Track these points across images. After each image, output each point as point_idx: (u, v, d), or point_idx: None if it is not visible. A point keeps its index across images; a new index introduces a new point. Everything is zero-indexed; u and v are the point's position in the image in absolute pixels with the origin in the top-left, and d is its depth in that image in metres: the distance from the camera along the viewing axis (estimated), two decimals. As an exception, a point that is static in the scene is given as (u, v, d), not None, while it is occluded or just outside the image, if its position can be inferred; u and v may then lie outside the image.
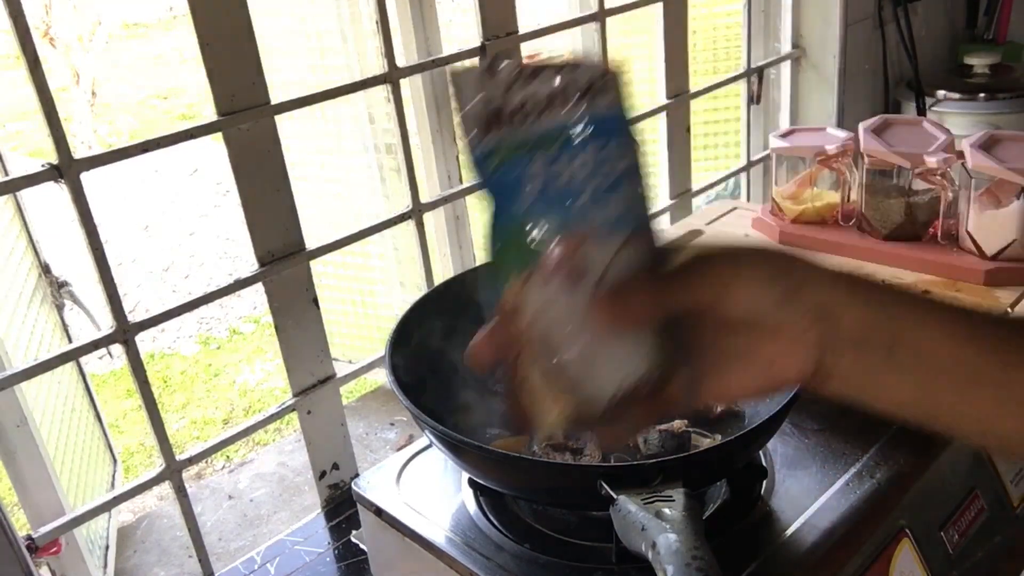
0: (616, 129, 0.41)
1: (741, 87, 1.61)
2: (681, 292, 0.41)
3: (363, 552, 0.95)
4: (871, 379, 0.41)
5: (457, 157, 1.27)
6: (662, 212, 1.49)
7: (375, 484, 0.84)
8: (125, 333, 0.86)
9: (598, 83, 0.41)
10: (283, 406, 1.02)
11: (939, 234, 1.12)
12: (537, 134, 0.41)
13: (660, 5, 1.37)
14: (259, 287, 0.97)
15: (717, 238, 0.44)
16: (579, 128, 0.41)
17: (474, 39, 1.12)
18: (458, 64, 0.46)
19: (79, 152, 0.80)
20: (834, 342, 0.40)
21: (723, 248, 0.42)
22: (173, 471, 0.92)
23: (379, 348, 1.05)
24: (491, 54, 1.12)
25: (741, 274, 0.41)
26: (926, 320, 0.40)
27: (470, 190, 1.18)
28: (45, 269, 1.20)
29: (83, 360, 1.15)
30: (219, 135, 0.90)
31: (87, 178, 0.81)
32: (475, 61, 0.38)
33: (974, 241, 1.07)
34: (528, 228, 0.41)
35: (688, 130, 1.47)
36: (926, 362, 0.40)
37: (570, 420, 0.42)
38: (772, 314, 0.40)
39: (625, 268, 0.41)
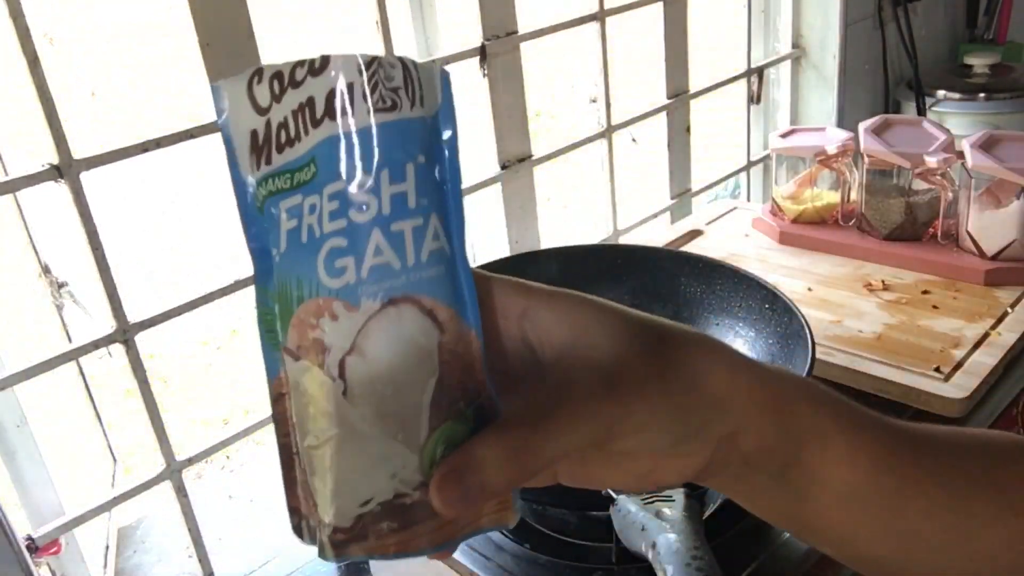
0: (419, 150, 0.32)
1: (741, 87, 1.61)
2: (550, 446, 0.31)
3: (363, 552, 0.95)
4: (751, 493, 0.37)
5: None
6: (662, 212, 1.49)
7: (375, 484, 0.84)
8: (125, 333, 0.86)
9: (403, 84, 0.31)
10: (283, 406, 1.02)
11: (939, 234, 1.12)
12: (313, 150, 0.31)
13: (660, 5, 1.37)
14: (259, 287, 0.97)
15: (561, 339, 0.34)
16: (364, 143, 0.31)
17: (474, 39, 1.12)
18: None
19: (79, 152, 0.80)
20: (725, 460, 0.35)
21: (599, 365, 0.32)
22: (173, 471, 0.92)
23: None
24: (489, 54, 1.12)
25: (631, 416, 0.32)
26: (826, 439, 0.35)
27: (470, 190, 1.18)
28: (45, 269, 1.19)
29: (83, 360, 1.15)
30: (219, 135, 0.90)
31: (87, 178, 0.81)
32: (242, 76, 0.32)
33: (974, 241, 1.07)
34: (298, 276, 0.32)
35: (688, 130, 1.47)
36: (814, 485, 0.36)
37: (325, 532, 0.32)
38: (665, 450, 0.34)
39: (393, 345, 0.31)
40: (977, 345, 0.94)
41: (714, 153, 1.93)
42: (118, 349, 0.87)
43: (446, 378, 0.32)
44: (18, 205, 1.16)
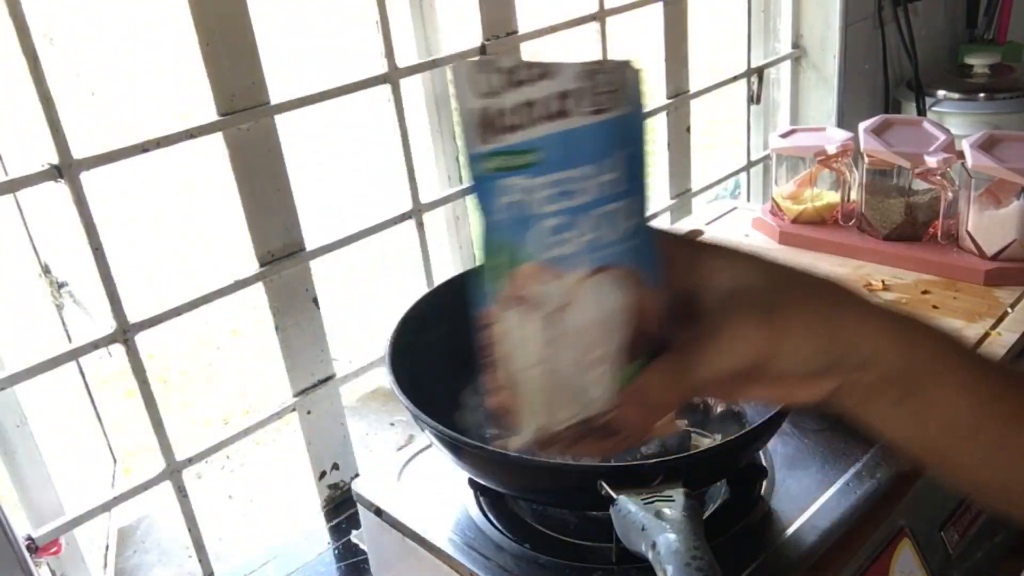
0: (627, 142, 0.39)
1: (741, 87, 1.61)
2: (713, 366, 0.40)
3: (363, 552, 0.95)
4: (875, 417, 0.42)
5: (457, 157, 1.27)
6: (662, 212, 1.49)
7: (375, 484, 0.84)
8: (125, 333, 0.86)
9: (616, 86, 0.38)
10: (283, 406, 1.02)
11: (939, 234, 1.12)
12: (537, 141, 0.37)
13: (660, 5, 1.37)
14: (259, 287, 0.97)
15: (745, 268, 0.42)
16: (587, 138, 0.37)
17: (474, 39, 1.12)
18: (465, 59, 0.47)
19: (79, 152, 0.80)
20: (852, 387, 0.41)
21: (761, 301, 0.40)
22: (173, 471, 0.92)
23: (379, 348, 1.05)
24: (496, 53, 1.12)
25: (785, 342, 0.40)
26: (944, 373, 0.41)
27: (470, 190, 1.18)
28: (45, 269, 1.19)
29: (83, 360, 1.15)
30: (219, 135, 0.90)
31: (87, 178, 0.81)
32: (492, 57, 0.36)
33: (974, 241, 1.07)
34: (509, 242, 0.39)
35: (688, 130, 1.47)
36: (932, 411, 0.41)
37: (527, 441, 0.42)
38: (807, 375, 0.41)
39: (595, 304, 0.39)
40: (977, 345, 0.94)
41: (714, 153, 1.93)
42: (118, 349, 0.87)
43: (633, 329, 0.40)
44: (18, 205, 1.16)
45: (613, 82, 0.37)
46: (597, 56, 1.29)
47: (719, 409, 0.82)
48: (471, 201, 0.40)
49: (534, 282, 0.38)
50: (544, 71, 0.37)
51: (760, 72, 1.63)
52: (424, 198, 1.11)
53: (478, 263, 0.41)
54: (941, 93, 1.83)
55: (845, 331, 0.40)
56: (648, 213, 0.40)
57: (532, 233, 0.38)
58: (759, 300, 0.40)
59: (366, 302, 1.77)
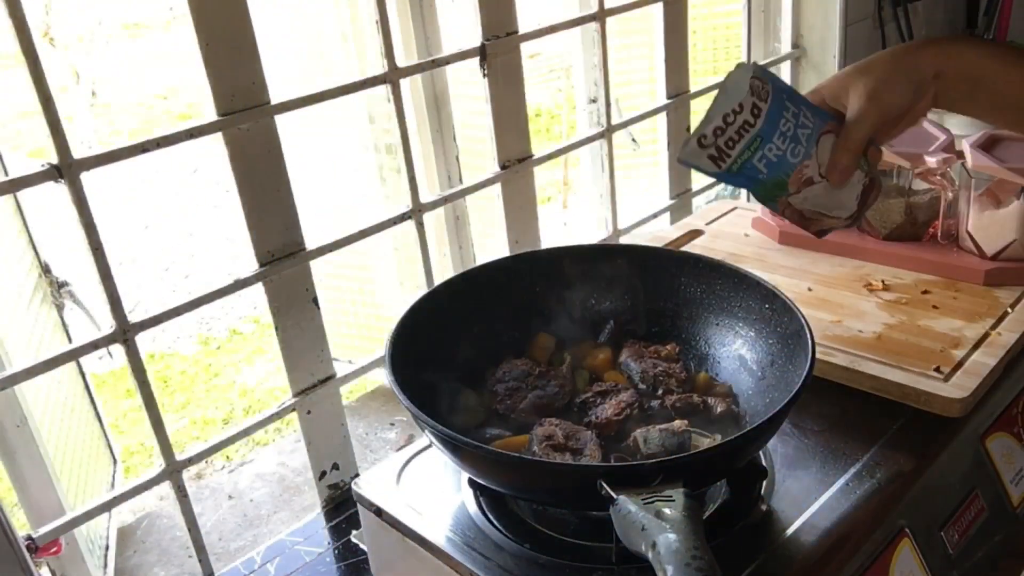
0: (782, 98, 0.74)
1: (741, 87, 1.60)
2: (866, 125, 0.75)
3: (363, 552, 0.95)
4: (963, 109, 0.75)
5: (457, 157, 1.27)
6: (662, 212, 1.49)
7: (375, 484, 0.84)
8: (125, 333, 0.86)
9: (758, 77, 0.74)
10: (283, 406, 1.02)
11: (939, 234, 1.12)
12: (749, 143, 0.74)
13: (660, 5, 1.37)
14: (259, 287, 0.97)
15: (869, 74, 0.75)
16: (771, 113, 0.74)
17: (474, 39, 1.12)
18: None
19: (79, 152, 0.80)
20: (942, 92, 0.72)
21: (864, 81, 0.74)
22: (173, 471, 0.92)
23: (379, 348, 1.05)
24: (489, 54, 1.12)
25: (884, 89, 0.73)
26: (1005, 68, 0.70)
27: (470, 190, 1.18)
28: (45, 269, 1.20)
29: (83, 360, 1.15)
30: (219, 135, 0.90)
31: (87, 178, 0.81)
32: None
33: (974, 241, 1.07)
34: (774, 177, 0.76)
35: (688, 130, 1.47)
36: (995, 98, 0.72)
37: (826, 226, 0.82)
38: (913, 98, 0.74)
39: (830, 149, 0.76)
40: (977, 345, 0.94)
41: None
42: (118, 349, 0.87)
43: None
44: (18, 205, 1.16)
45: (762, 86, 0.73)
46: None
47: (719, 409, 0.82)
48: (734, 183, 0.80)
49: (800, 175, 0.77)
50: (745, 109, 0.73)
51: (760, 72, 1.63)
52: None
53: (760, 199, 0.80)
54: (941, 93, 1.82)
55: (914, 62, 0.72)
56: (806, 106, 0.76)
57: (780, 164, 0.75)
58: (862, 80, 0.74)
59: (365, 302, 1.77)
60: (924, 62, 0.71)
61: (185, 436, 2.91)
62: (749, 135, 0.73)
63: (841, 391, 0.91)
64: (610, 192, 1.38)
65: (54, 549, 0.92)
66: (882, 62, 0.73)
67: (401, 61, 1.05)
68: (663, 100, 1.42)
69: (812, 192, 0.78)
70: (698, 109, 1.48)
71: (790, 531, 0.74)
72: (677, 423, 0.77)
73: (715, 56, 1.86)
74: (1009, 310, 0.99)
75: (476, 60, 1.13)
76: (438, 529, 0.77)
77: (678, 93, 1.43)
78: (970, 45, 0.73)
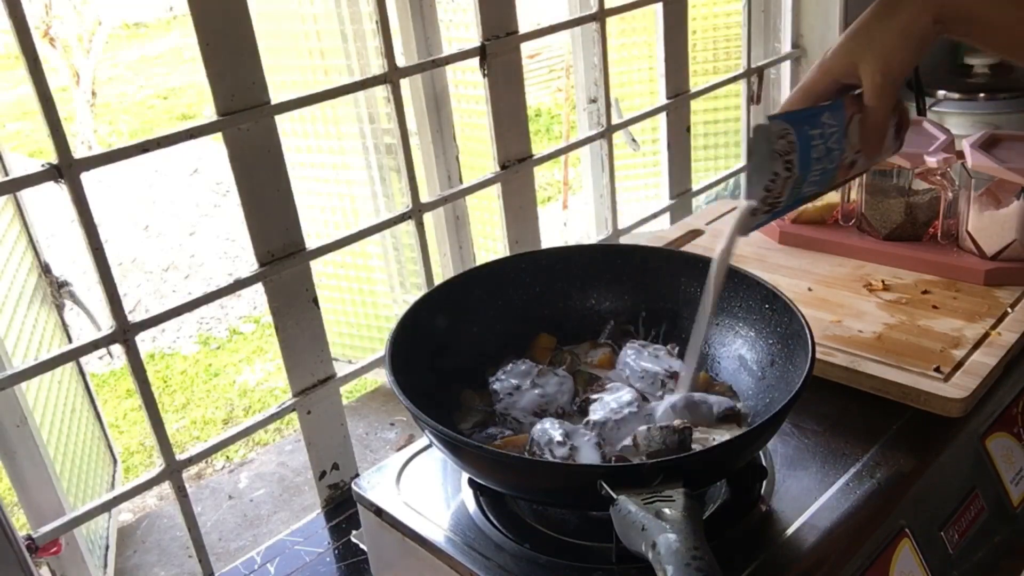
0: (806, 133, 0.74)
1: (741, 87, 1.61)
2: (886, 102, 0.75)
3: (363, 552, 0.95)
4: (967, 40, 0.75)
5: (457, 157, 1.27)
6: (662, 212, 1.49)
7: (375, 484, 0.84)
8: (125, 333, 0.86)
9: (784, 133, 0.74)
10: (283, 406, 1.02)
11: (939, 234, 1.12)
12: (792, 168, 0.74)
13: (660, 5, 1.37)
14: (259, 287, 0.97)
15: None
16: (800, 146, 0.74)
17: (474, 39, 1.12)
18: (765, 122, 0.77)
19: (79, 152, 0.80)
20: (934, 40, 0.73)
21: (879, 51, 0.74)
22: (173, 471, 0.92)
23: (379, 348, 1.05)
24: (489, 54, 1.12)
25: (899, 59, 0.74)
26: (999, 4, 0.71)
27: (470, 190, 1.18)
28: (45, 269, 1.20)
29: (83, 360, 1.15)
30: (219, 135, 0.90)
31: (87, 178, 0.81)
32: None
33: (974, 241, 1.07)
34: (822, 189, 0.80)
35: (688, 130, 1.47)
36: (991, 33, 0.73)
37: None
38: (919, 40, 0.73)
39: (858, 130, 0.76)
40: (977, 345, 0.93)
41: (714, 152, 1.93)
42: (118, 349, 0.87)
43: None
44: (18, 205, 1.16)
45: (781, 136, 0.73)
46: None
47: (719, 409, 0.82)
48: (794, 208, 0.86)
49: (841, 168, 0.78)
50: (786, 167, 0.75)
51: (760, 72, 1.63)
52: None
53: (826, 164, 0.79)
54: (941, 93, 1.83)
55: (911, 17, 0.72)
56: (826, 112, 0.76)
57: (824, 174, 0.77)
58: (869, 53, 0.74)
59: (365, 302, 1.77)
60: (921, 14, 0.72)
61: (185, 436, 2.91)
62: (792, 181, 0.75)
63: (841, 391, 0.91)
64: (610, 192, 1.38)
65: (54, 549, 0.92)
66: (881, 26, 0.74)
67: (401, 61, 1.05)
68: (663, 100, 1.42)
69: (857, 166, 0.80)
70: (698, 109, 1.48)
71: (790, 531, 0.74)
72: (677, 422, 0.77)
73: (715, 56, 1.86)
74: (1009, 310, 0.99)
75: (476, 60, 1.13)
76: (438, 529, 0.77)
77: (678, 93, 1.43)
78: None
